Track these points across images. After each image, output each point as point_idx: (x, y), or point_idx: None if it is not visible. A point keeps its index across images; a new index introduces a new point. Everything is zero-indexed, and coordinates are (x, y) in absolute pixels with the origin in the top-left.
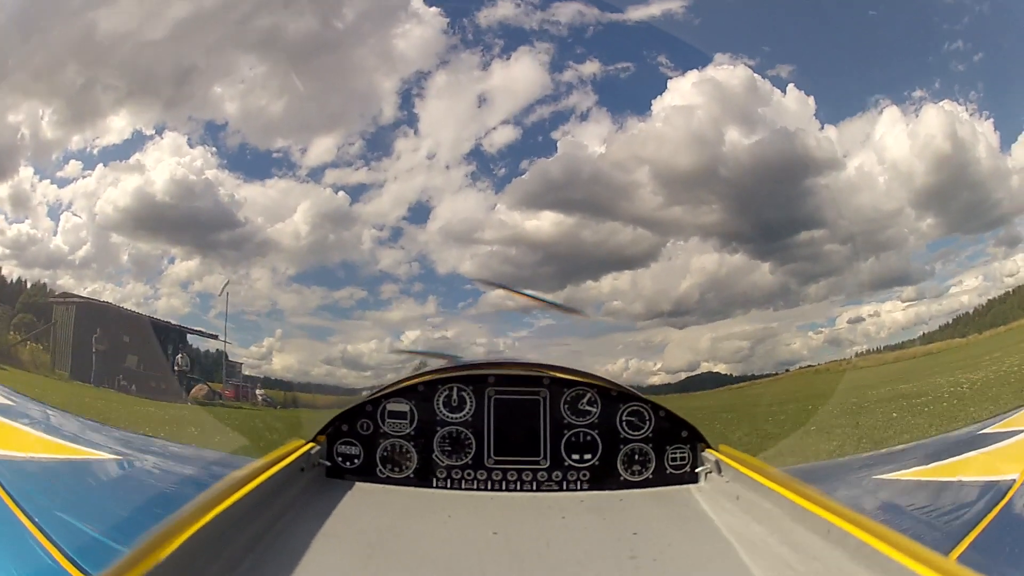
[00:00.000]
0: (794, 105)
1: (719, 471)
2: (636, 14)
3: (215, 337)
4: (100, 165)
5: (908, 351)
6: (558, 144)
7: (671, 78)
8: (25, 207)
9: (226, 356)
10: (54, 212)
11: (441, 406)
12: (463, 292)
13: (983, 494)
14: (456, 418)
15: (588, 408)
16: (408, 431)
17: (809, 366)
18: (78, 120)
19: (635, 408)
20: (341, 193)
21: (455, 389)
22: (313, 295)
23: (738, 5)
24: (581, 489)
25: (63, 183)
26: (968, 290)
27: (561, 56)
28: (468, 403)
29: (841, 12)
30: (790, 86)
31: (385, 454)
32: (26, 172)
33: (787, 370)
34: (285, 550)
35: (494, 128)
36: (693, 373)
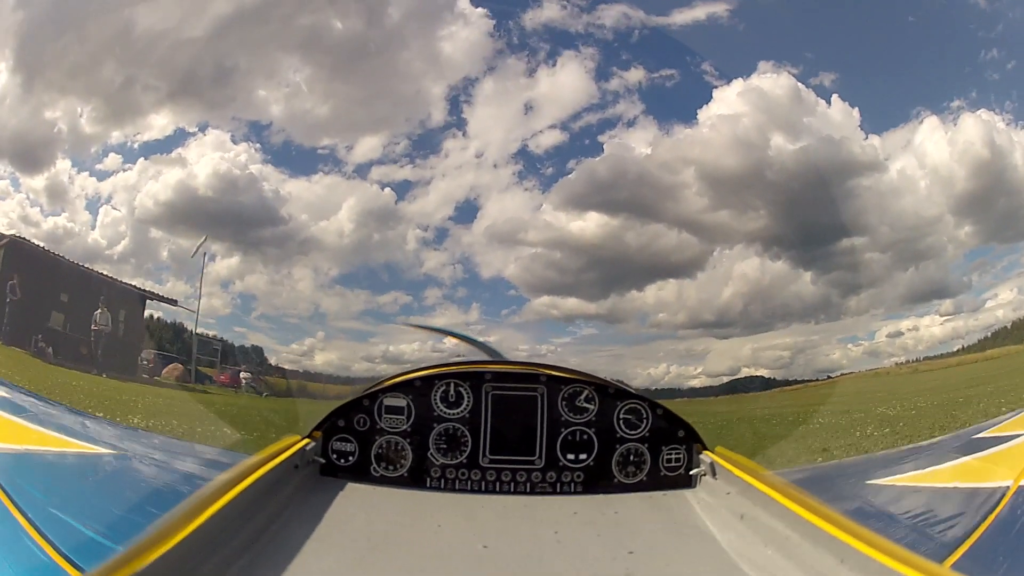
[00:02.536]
0: (839, 116)
1: (714, 474)
2: (681, 17)
3: (174, 303)
4: (141, 159)
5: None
6: (604, 146)
7: (716, 87)
8: (62, 199)
9: (195, 333)
10: (92, 205)
11: (438, 402)
12: (507, 298)
13: (977, 500)
14: (453, 414)
15: (585, 405)
16: (404, 427)
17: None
18: (117, 117)
19: (632, 406)
20: (387, 190)
21: (452, 385)
22: (357, 299)
23: (780, 11)
24: (575, 491)
25: (102, 176)
26: (1003, 303)
27: (607, 62)
28: (465, 399)
29: (879, 19)
30: (834, 96)
31: (380, 452)
32: (63, 164)
33: (828, 376)
34: (278, 550)
35: (541, 132)
36: (735, 376)
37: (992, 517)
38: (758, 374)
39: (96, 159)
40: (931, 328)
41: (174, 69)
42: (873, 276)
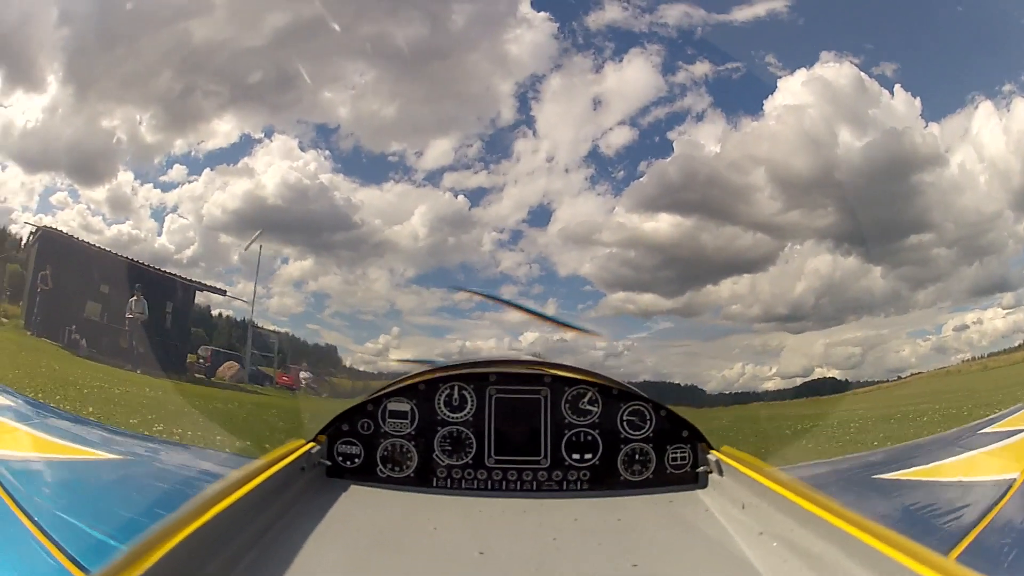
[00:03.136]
0: (902, 106)
1: (720, 472)
2: (741, 15)
3: (223, 293)
4: (207, 169)
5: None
6: (674, 144)
7: (780, 77)
8: (126, 208)
9: (252, 326)
10: (158, 214)
11: (442, 405)
12: (582, 294)
13: (984, 494)
14: (457, 417)
15: (589, 407)
16: (409, 431)
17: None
18: (179, 124)
19: (636, 407)
20: (460, 197)
21: (456, 388)
22: (432, 296)
23: (837, 3)
24: (581, 489)
25: (167, 187)
26: None
27: (672, 57)
28: (469, 402)
29: (932, 7)
30: (896, 86)
31: (385, 454)
32: (125, 176)
33: (899, 377)
34: (283, 550)
35: (611, 129)
36: (809, 378)
37: (997, 509)
38: (830, 375)
39: (160, 170)
40: (994, 321)
41: (234, 75)
42: (940, 271)
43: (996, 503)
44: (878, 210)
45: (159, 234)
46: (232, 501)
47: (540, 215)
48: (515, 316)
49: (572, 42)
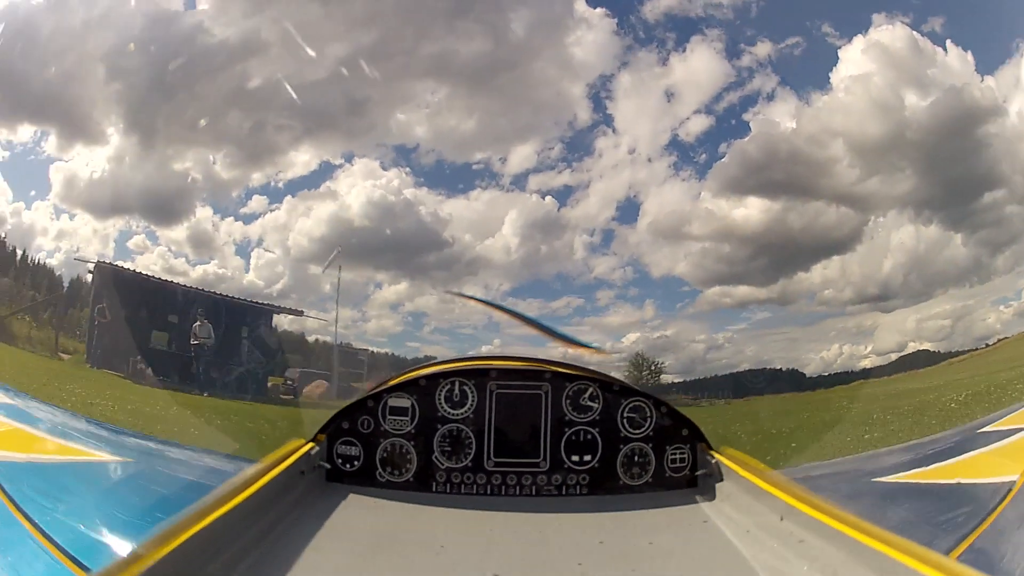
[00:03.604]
0: (956, 62)
1: (720, 474)
2: None
3: (300, 314)
4: (288, 197)
5: None
6: (751, 124)
7: (839, 47)
8: (209, 247)
9: (338, 345)
10: (243, 250)
11: (443, 401)
12: (679, 293)
13: (984, 494)
14: (457, 414)
15: (590, 403)
16: (409, 429)
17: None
18: (254, 159)
19: (637, 404)
20: (548, 198)
21: (457, 383)
22: (530, 307)
23: None
24: (580, 494)
25: (249, 218)
26: None
27: (733, 40)
28: (470, 398)
29: None
30: (948, 42)
31: (385, 455)
32: (204, 212)
33: (986, 344)
34: (281, 557)
35: (687, 119)
36: (903, 353)
37: (999, 510)
38: (923, 348)
39: (239, 202)
40: None
41: (303, 108)
42: (1014, 231)
43: (998, 504)
44: (951, 168)
45: (246, 271)
46: (231, 506)
47: (628, 210)
48: (616, 319)
49: (634, 37)
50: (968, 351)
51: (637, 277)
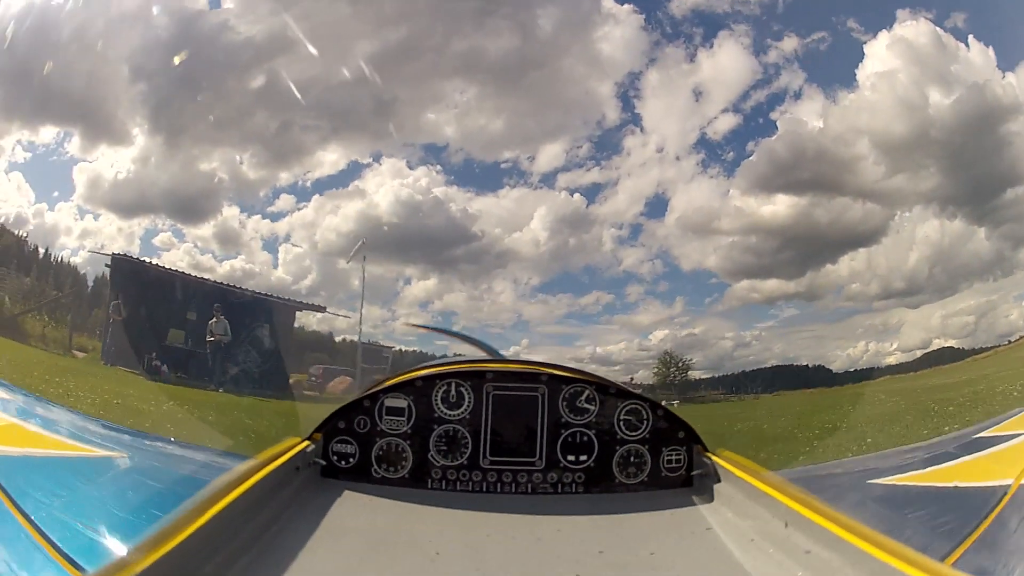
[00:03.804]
0: (978, 58)
1: (715, 475)
2: None
3: (322, 310)
4: (316, 196)
5: None
6: (778, 123)
7: (865, 42)
8: (235, 243)
9: (362, 343)
10: (270, 245)
11: (439, 402)
12: (708, 287)
13: (979, 499)
14: (454, 415)
15: (586, 406)
16: (405, 429)
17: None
18: (281, 159)
19: (633, 406)
20: (576, 195)
21: (453, 385)
22: (559, 303)
23: None
24: (575, 492)
25: (276, 216)
26: None
27: (760, 36)
28: (466, 399)
29: None
30: (970, 37)
31: (381, 453)
32: (230, 211)
33: (1008, 341)
34: (279, 552)
35: (715, 118)
36: (928, 350)
37: (993, 516)
38: (948, 344)
39: (267, 201)
40: None
41: (330, 108)
42: None
43: (992, 510)
44: (975, 166)
45: (274, 266)
46: (227, 503)
47: (656, 205)
48: (645, 317)
49: (661, 32)
50: (991, 347)
51: (667, 271)
